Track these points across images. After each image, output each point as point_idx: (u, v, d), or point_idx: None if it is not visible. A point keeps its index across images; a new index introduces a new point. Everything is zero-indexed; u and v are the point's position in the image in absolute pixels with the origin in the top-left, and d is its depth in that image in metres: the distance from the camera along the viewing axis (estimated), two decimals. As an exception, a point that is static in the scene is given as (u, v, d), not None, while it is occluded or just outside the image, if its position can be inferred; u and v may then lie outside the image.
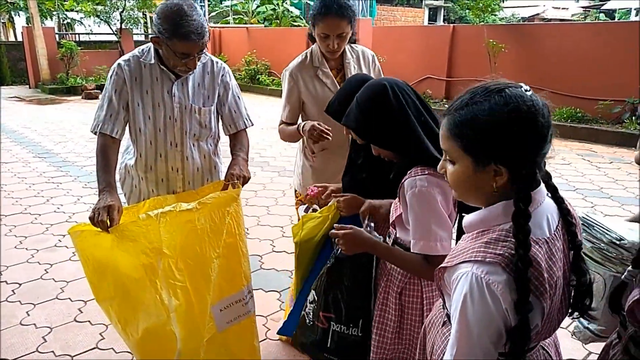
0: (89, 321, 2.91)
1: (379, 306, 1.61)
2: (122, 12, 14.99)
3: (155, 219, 1.69)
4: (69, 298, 3.16)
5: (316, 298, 1.72)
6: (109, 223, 1.73)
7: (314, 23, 2.26)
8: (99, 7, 14.92)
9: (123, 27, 15.30)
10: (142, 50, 2.10)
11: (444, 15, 32.40)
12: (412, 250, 1.45)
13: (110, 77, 2.05)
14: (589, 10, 31.28)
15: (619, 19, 23.82)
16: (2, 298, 3.15)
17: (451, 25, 11.19)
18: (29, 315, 2.97)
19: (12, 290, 3.25)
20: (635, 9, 26.26)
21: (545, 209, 1.07)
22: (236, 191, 1.90)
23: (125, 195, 2.29)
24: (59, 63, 13.92)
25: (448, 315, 1.20)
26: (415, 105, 1.51)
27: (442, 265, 1.12)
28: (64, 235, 4.13)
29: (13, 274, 3.47)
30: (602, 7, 29.54)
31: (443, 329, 1.22)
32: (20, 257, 3.73)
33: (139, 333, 1.80)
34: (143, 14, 17.72)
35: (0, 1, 17.53)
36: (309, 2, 22.55)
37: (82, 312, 3.01)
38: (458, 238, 1.45)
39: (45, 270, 3.54)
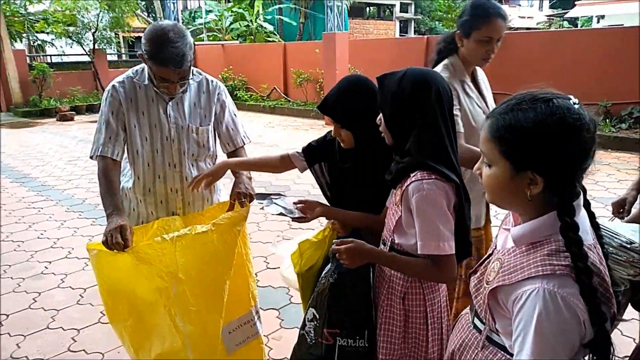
0: (84, 350, 2.83)
1: (384, 313, 1.61)
2: (95, 32, 14.84)
3: (171, 243, 1.66)
4: (61, 327, 3.06)
5: (317, 316, 1.69)
6: (123, 243, 1.70)
7: (472, 27, 2.08)
8: (71, 28, 14.75)
9: (96, 47, 15.12)
10: (136, 71, 2.08)
11: (414, 27, 33.01)
12: (420, 252, 1.45)
13: (106, 99, 2.02)
14: (553, 19, 32.29)
15: (581, 27, 24.63)
16: (-10, 331, 3.04)
17: (425, 36, 11.40)
18: (19, 347, 2.86)
19: (0, 322, 3.13)
20: (596, 17, 27.22)
21: (583, 216, 1.08)
22: (245, 210, 1.88)
23: None
24: (31, 85, 13.66)
25: (489, 338, 1.18)
26: (450, 111, 1.52)
27: (497, 284, 1.09)
28: (50, 262, 4.02)
29: (-1, 305, 3.35)
30: (565, 16, 30.53)
31: (484, 351, 1.19)
32: (6, 287, 3.60)
33: (152, 358, 1.75)
34: (116, 34, 17.57)
35: (-33, 25, 17.15)
36: (282, 17, 22.75)
37: (75, 341, 2.91)
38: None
39: (33, 299, 3.42)
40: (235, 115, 2.25)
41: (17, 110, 13.46)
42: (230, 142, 2.21)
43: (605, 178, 5.97)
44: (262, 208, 1.83)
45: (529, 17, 34.79)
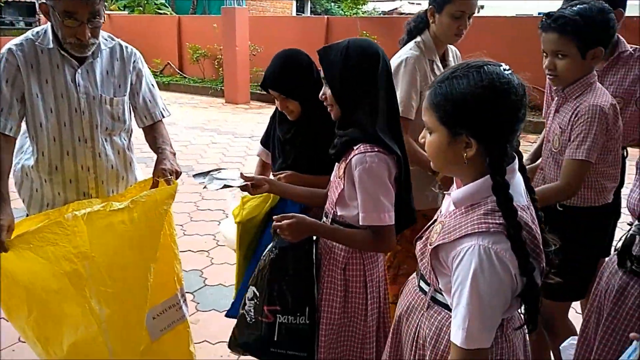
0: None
1: (325, 285, 1.63)
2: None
3: (82, 220, 1.50)
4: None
5: (257, 293, 1.67)
6: (1, 246, 1.49)
7: (445, 1, 2.03)
8: None
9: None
10: (37, 32, 1.83)
11: (310, 8, 33.15)
12: (361, 223, 1.50)
13: None
14: (439, 7, 34.25)
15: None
16: None
17: (325, 16, 11.50)
18: None
19: None
20: (480, 7, 29.38)
21: (519, 180, 1.16)
22: (173, 187, 1.76)
23: (24, 201, 1.99)
24: None
25: (433, 298, 1.24)
26: (393, 89, 1.58)
27: (438, 242, 1.15)
28: None
29: None
30: (450, 4, 32.47)
31: (429, 311, 1.25)
32: None
33: (64, 350, 1.60)
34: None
35: None
36: (174, -12, 21.54)
37: None
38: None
39: None
40: (153, 85, 2.08)
41: None
42: (148, 116, 2.05)
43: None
44: (204, 187, 1.75)
45: (417, 4, 36.54)
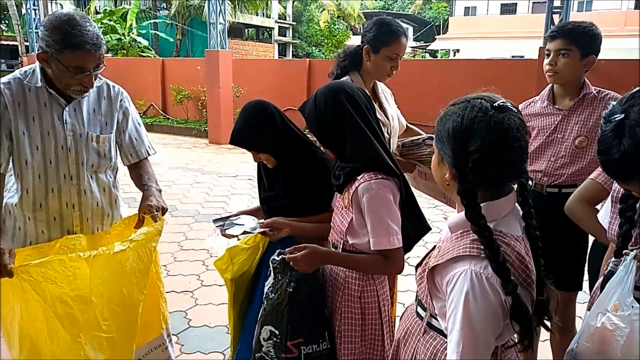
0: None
1: (342, 315, 1.65)
2: None
3: (86, 262, 1.47)
4: None
5: (276, 332, 1.64)
6: (5, 270, 1.46)
7: (382, 44, 2.14)
8: None
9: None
10: (25, 72, 1.85)
11: (292, 51, 33.94)
12: (372, 248, 1.55)
13: None
14: (417, 50, 35.38)
15: (440, 58, 27.34)
16: None
17: (307, 59, 11.77)
18: None
19: None
20: (453, 50, 30.44)
21: (516, 211, 1.20)
22: (160, 224, 1.75)
23: None
24: None
25: (429, 324, 1.24)
26: (368, 111, 1.64)
27: (433, 264, 1.17)
28: None
29: None
30: (427, 48, 33.67)
31: (425, 336, 1.27)
32: None
33: None
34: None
35: None
36: (157, 33, 21.94)
37: None
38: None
39: None
40: (139, 124, 2.09)
41: None
42: (134, 153, 2.05)
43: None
44: (223, 234, 1.81)
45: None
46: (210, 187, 6.71)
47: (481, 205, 1.11)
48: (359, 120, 1.58)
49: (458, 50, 29.13)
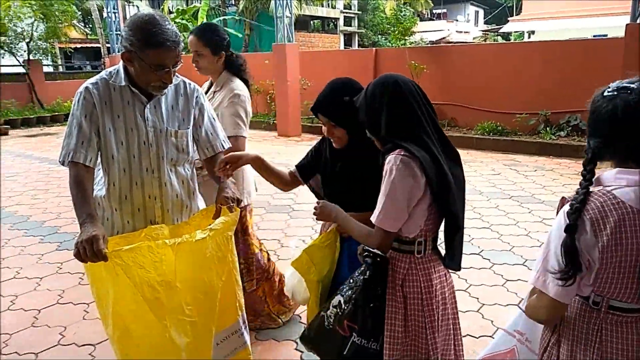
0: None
1: (388, 302, 1.67)
2: (29, 42, 14.11)
3: (171, 249, 1.56)
4: (16, 352, 2.83)
5: (343, 305, 1.68)
6: (96, 255, 1.58)
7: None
8: (2, 38, 13.92)
9: (31, 58, 14.37)
10: (110, 72, 1.97)
11: (358, 41, 33.71)
12: (370, 218, 1.61)
13: (78, 101, 1.90)
14: (488, 34, 33.96)
15: (514, 41, 26.03)
16: None
17: (374, 48, 11.65)
18: (-31, 377, 2.62)
19: (-56, 351, 2.85)
20: (527, 32, 28.90)
21: None
22: (235, 214, 1.81)
23: None
24: (-41, 98, 12.76)
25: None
26: (417, 101, 1.64)
27: None
28: (-4, 284, 3.73)
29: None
30: (499, 31, 32.17)
31: None
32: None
33: None
34: (52, 45, 16.78)
35: None
36: (226, 29, 22.55)
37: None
38: None
39: (-20, 324, 3.15)
40: (214, 119, 2.17)
41: (-57, 124, 12.52)
42: (210, 147, 2.13)
43: (551, 182, 6.28)
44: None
45: (465, 32, 36.41)
46: (279, 179, 6.83)
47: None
48: (399, 102, 1.61)
49: (533, 32, 27.58)
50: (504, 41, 26.60)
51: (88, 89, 1.90)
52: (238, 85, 2.70)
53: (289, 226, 4.92)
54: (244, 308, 1.97)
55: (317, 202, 1.80)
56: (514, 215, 5.04)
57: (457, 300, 1.78)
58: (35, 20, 13.98)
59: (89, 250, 1.57)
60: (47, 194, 6.44)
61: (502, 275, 3.69)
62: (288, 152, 8.72)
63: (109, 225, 2.03)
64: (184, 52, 1.98)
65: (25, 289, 3.64)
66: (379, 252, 1.63)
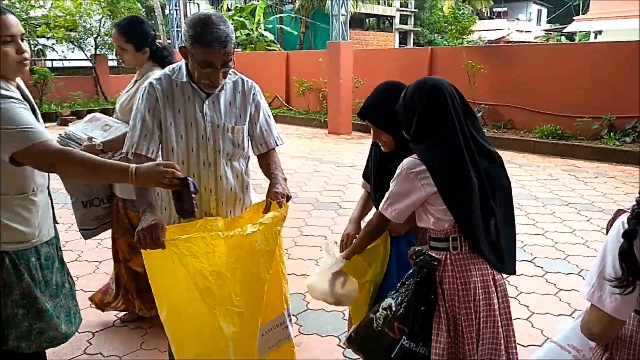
0: (100, 353, 2.78)
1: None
2: (97, 37, 14.83)
3: (224, 241, 1.63)
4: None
5: (394, 307, 1.70)
6: (154, 243, 1.66)
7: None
8: (72, 33, 14.72)
9: (97, 52, 15.11)
10: (173, 69, 2.06)
11: (413, 39, 33.27)
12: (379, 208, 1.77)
13: (142, 96, 2.00)
14: (551, 33, 32.61)
15: (579, 41, 24.86)
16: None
17: (429, 47, 11.47)
18: (33, 350, 2.80)
19: None
20: (594, 32, 27.51)
21: None
22: (285, 210, 1.86)
23: None
24: (32, 89, 13.54)
25: None
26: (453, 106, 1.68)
27: None
28: (59, 265, 3.97)
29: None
30: (564, 30, 30.81)
31: None
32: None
33: (192, 356, 1.74)
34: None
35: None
36: (282, 27, 22.87)
37: (91, 344, 2.86)
38: None
39: (44, 302, 3.36)
40: (269, 116, 2.23)
41: (17, 113, 13.38)
42: (263, 144, 2.19)
43: (613, 190, 5.99)
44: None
45: (526, 31, 35.16)
46: (328, 177, 6.89)
47: None
48: (436, 109, 1.65)
49: (600, 32, 26.24)
50: (568, 41, 25.48)
51: (152, 85, 2.00)
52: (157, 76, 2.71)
53: (336, 223, 4.95)
54: (289, 301, 2.01)
55: None
56: (571, 223, 4.84)
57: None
58: (102, 16, 14.68)
59: (148, 238, 1.66)
60: (108, 182, 6.76)
61: (555, 284, 3.56)
62: (338, 150, 8.75)
63: (166, 214, 2.12)
64: (238, 49, 2.05)
65: (86, 272, 3.86)
66: (430, 254, 1.63)
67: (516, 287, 3.50)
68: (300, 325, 3.05)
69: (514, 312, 3.15)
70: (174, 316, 1.71)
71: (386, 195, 1.73)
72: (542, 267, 3.85)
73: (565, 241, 4.37)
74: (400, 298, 1.66)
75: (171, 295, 1.69)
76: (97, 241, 4.47)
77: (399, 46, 29.81)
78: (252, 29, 18.47)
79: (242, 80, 2.16)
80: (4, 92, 1.69)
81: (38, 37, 16.14)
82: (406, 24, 33.18)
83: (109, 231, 2.96)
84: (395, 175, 1.71)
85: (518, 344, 2.82)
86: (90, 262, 4.04)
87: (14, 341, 1.79)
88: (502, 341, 1.68)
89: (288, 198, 1.96)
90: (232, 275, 1.67)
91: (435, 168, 1.62)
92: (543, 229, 4.71)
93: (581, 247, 4.25)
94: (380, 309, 1.71)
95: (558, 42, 20.98)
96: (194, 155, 2.03)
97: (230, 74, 2.09)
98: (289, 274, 3.63)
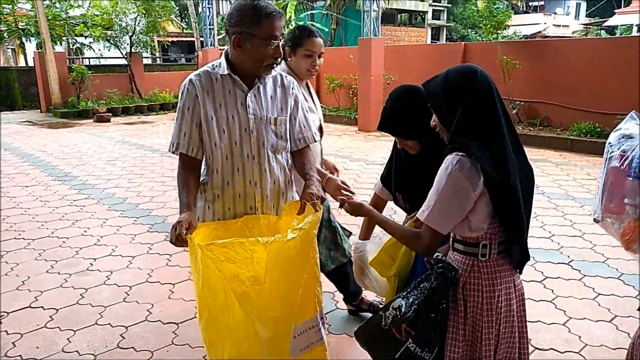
0: (132, 347, 2.82)
1: (450, 308, 1.63)
2: (132, 36, 15.15)
3: (264, 247, 1.62)
4: (109, 324, 3.07)
5: (403, 309, 1.66)
6: (178, 239, 1.72)
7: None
8: (109, 32, 15.09)
9: (133, 50, 15.43)
10: (213, 64, 2.07)
11: (446, 35, 32.75)
12: (417, 215, 1.59)
13: (182, 94, 2.02)
14: (590, 28, 31.59)
15: (620, 35, 23.97)
16: (41, 324, 3.07)
17: (462, 43, 11.25)
18: (70, 342, 2.87)
19: (50, 316, 3.15)
20: (636, 25, 26.44)
21: None
22: (319, 213, 1.84)
23: (198, 218, 2.20)
24: (70, 87, 14.01)
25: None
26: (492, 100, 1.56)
27: None
28: (95, 259, 4.06)
29: (49, 299, 3.38)
30: (604, 24, 29.75)
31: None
32: (54, 282, 3.65)
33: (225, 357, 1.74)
34: (151, 38, 17.91)
35: (10, 27, 17.74)
36: (313, 23, 22.83)
37: (124, 338, 2.91)
38: None
39: (80, 295, 3.45)
40: (307, 111, 2.22)
41: (56, 110, 13.83)
42: (302, 139, 2.17)
43: (656, 190, 5.73)
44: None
45: (564, 26, 34.13)
46: (358, 174, 6.84)
47: None
48: (481, 100, 1.52)
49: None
50: (608, 36, 24.61)
51: (191, 81, 2.01)
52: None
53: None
54: (322, 304, 1.98)
55: (341, 200, 1.89)
56: (611, 225, 4.66)
57: (526, 310, 1.72)
58: (138, 15, 14.99)
59: (172, 235, 1.71)
60: (141, 178, 6.90)
61: (593, 289, 3.44)
62: (367, 147, 8.69)
63: (210, 213, 2.11)
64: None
65: (119, 266, 3.94)
66: (449, 263, 1.58)
67: (552, 290, 3.39)
68: (330, 325, 3.03)
69: (549, 317, 3.09)
70: (210, 319, 1.72)
71: (431, 204, 1.53)
72: (579, 270, 3.72)
73: (604, 243, 4.22)
74: (411, 299, 1.63)
75: (207, 300, 1.70)
76: (130, 236, 4.57)
77: (432, 42, 29.39)
78: (283, 26, 18.51)
79: (281, 75, 2.16)
80: None
81: (76, 35, 16.63)
82: (439, 19, 32.67)
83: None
84: (439, 177, 1.53)
85: (553, 349, 2.76)
86: (124, 257, 4.12)
87: None
88: (517, 343, 1.65)
89: (322, 200, 1.94)
90: (270, 280, 1.66)
91: (485, 168, 1.48)
92: (581, 230, 4.56)
93: (621, 250, 4.07)
94: (391, 308, 1.68)
95: (597, 37, 20.29)
96: (237, 149, 2.03)
97: None
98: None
